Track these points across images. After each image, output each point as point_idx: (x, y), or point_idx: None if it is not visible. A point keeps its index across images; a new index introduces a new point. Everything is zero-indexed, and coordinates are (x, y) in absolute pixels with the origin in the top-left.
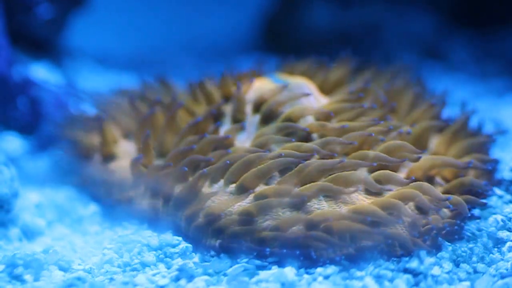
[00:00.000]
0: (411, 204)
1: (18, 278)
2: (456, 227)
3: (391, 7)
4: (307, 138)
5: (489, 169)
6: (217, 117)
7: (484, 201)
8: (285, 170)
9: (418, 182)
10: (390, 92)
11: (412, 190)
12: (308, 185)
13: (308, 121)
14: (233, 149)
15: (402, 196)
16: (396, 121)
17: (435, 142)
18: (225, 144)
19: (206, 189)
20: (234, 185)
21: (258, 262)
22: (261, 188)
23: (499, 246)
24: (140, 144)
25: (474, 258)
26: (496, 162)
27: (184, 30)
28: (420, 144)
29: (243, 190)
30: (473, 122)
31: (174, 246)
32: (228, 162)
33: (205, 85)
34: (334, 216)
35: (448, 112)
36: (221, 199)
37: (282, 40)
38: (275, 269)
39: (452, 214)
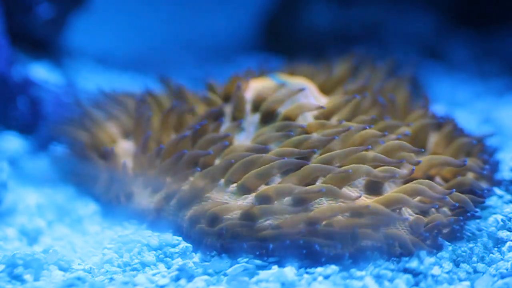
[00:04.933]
0: (412, 204)
1: (18, 278)
2: (461, 223)
3: (391, 7)
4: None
5: (484, 173)
6: (217, 117)
7: (482, 200)
8: (287, 171)
9: (419, 180)
10: (385, 90)
11: (416, 186)
12: (310, 187)
13: (308, 120)
14: (232, 147)
15: (406, 192)
16: (393, 120)
17: (433, 141)
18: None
19: (208, 189)
20: (234, 185)
21: (258, 261)
22: (262, 187)
23: (499, 246)
24: (139, 144)
25: (474, 258)
26: (496, 163)
27: (184, 30)
28: (418, 143)
29: (244, 191)
30: (473, 122)
31: (174, 246)
32: (232, 161)
33: (210, 86)
34: (335, 209)
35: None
36: (223, 199)
37: (282, 40)
38: (275, 269)
39: (455, 212)
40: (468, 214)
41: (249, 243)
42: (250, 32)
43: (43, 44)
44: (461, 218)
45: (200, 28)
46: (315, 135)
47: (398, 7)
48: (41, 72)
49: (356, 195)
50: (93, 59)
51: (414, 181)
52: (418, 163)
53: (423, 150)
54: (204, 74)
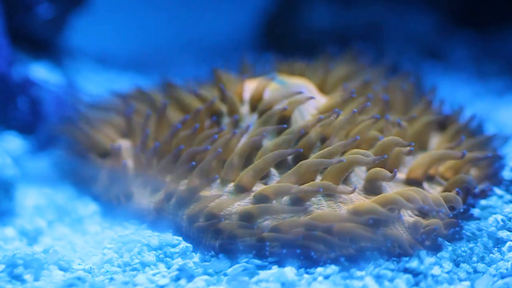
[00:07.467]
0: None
1: (18, 278)
2: (457, 227)
3: (391, 7)
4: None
5: (487, 163)
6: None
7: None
8: (282, 166)
9: (415, 189)
10: (387, 89)
11: (411, 192)
12: (307, 184)
13: (306, 118)
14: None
15: (402, 196)
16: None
17: (435, 142)
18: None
19: (205, 187)
20: (232, 184)
21: (258, 262)
22: (260, 187)
23: (499, 246)
24: (137, 143)
25: (474, 258)
26: (501, 163)
27: (184, 30)
28: (420, 143)
29: (241, 190)
30: (473, 122)
31: (174, 246)
32: (220, 150)
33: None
34: (335, 218)
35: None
36: (220, 198)
37: (282, 40)
38: (275, 269)
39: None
40: (455, 212)
41: (247, 244)
42: (250, 32)
43: (43, 44)
44: (459, 220)
45: (200, 28)
46: (312, 134)
47: (398, 7)
48: (41, 72)
49: (350, 189)
50: (93, 59)
51: (410, 188)
52: (410, 145)
53: (413, 143)
54: (204, 74)
